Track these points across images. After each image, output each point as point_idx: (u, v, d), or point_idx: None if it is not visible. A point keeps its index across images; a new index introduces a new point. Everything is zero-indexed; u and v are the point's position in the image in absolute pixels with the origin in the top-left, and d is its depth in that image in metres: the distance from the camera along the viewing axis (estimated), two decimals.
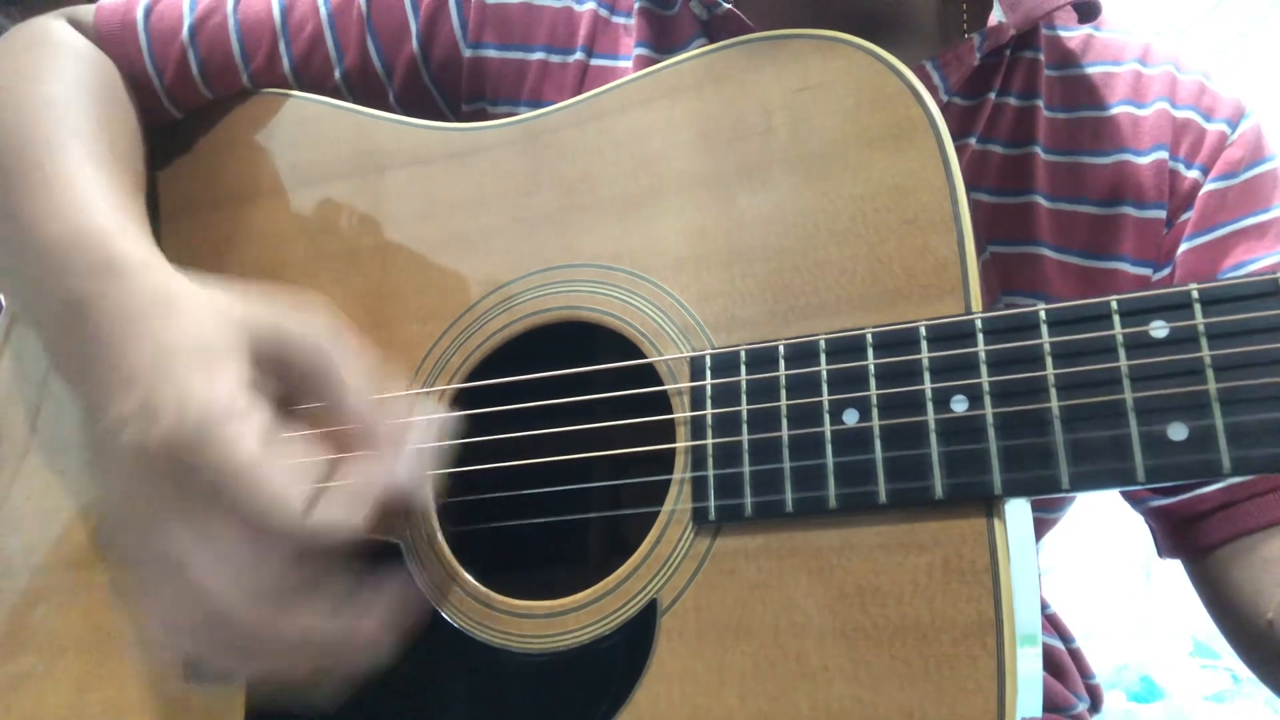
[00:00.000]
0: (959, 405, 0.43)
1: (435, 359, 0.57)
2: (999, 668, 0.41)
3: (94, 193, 0.58)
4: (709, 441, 0.48)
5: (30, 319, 0.59)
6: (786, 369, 0.47)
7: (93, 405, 0.46)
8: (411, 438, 0.48)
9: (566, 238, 0.56)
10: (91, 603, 0.59)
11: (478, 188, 0.59)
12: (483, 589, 0.52)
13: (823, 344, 0.47)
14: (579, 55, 0.68)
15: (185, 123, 0.71)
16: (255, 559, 0.42)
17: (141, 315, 0.48)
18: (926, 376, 0.44)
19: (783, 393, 0.47)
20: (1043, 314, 0.43)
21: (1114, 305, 0.42)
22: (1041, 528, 0.71)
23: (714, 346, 0.50)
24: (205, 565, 0.42)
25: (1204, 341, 0.40)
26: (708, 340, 0.50)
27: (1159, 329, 0.41)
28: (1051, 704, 0.74)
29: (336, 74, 0.69)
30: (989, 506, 0.42)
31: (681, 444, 0.49)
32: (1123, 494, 0.69)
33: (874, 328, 0.46)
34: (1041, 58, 0.67)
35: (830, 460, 0.45)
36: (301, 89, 0.69)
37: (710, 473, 0.47)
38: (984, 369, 0.43)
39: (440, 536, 0.53)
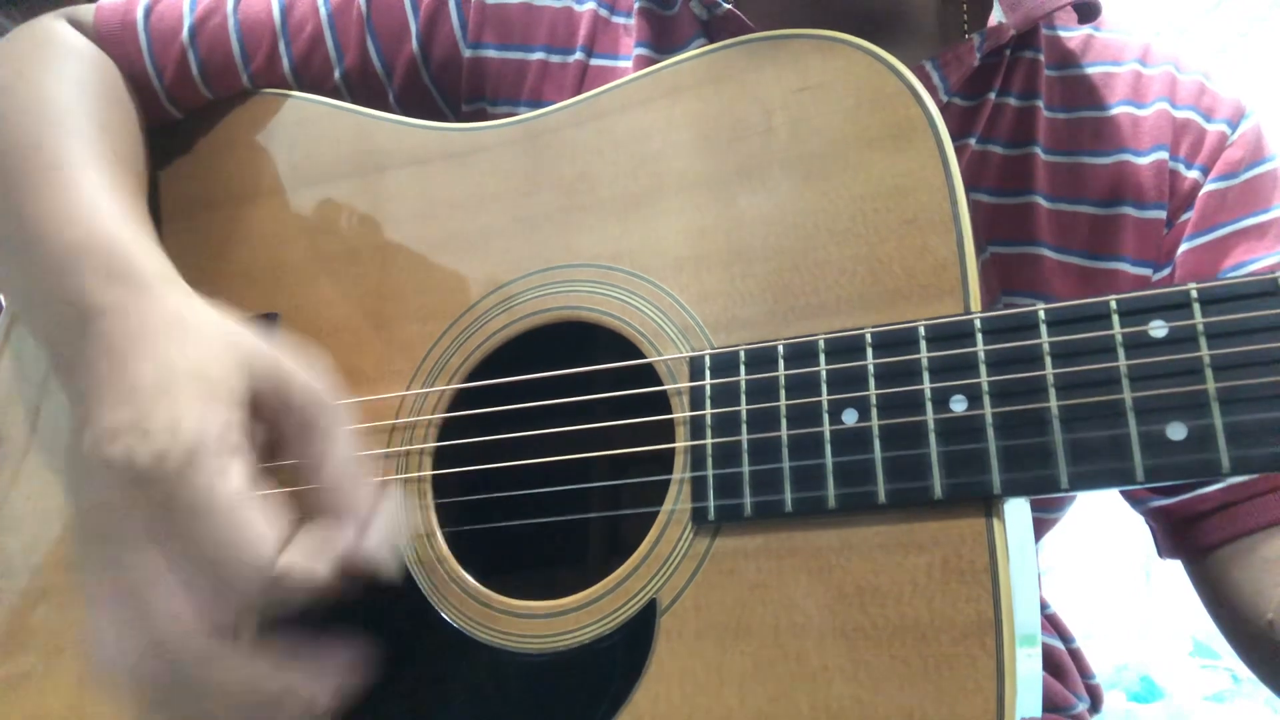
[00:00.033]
0: (958, 405, 0.43)
1: (435, 359, 0.57)
2: (998, 668, 0.41)
3: (104, 199, 0.58)
4: (708, 441, 0.48)
5: (31, 319, 0.59)
6: (786, 369, 0.47)
7: (86, 409, 0.46)
8: (384, 515, 0.47)
9: (566, 238, 0.56)
10: None
11: (477, 188, 0.59)
12: (482, 589, 0.52)
13: (822, 344, 0.47)
14: (579, 55, 0.68)
15: (185, 123, 0.71)
16: (216, 592, 0.41)
17: (154, 332, 0.48)
18: (926, 376, 0.44)
19: (782, 393, 0.47)
20: (1042, 314, 0.43)
21: (1113, 305, 0.42)
22: (1041, 528, 0.71)
23: (713, 346, 0.50)
24: (164, 590, 0.41)
25: (1203, 341, 0.40)
26: (707, 340, 0.50)
27: (1158, 329, 0.41)
28: (1051, 704, 0.74)
29: (336, 74, 0.69)
30: (988, 506, 0.43)
31: (681, 444, 0.49)
32: (1123, 494, 0.69)
33: (873, 328, 0.46)
34: (1041, 58, 0.67)
35: (829, 460, 0.45)
36: (301, 89, 0.69)
37: (709, 473, 0.47)
38: (983, 369, 0.43)
39: (440, 536, 0.53)
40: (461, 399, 0.55)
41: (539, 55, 0.68)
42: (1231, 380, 0.39)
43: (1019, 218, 0.65)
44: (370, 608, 0.47)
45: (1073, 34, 0.69)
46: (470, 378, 0.55)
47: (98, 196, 0.58)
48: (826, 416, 0.46)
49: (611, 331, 0.53)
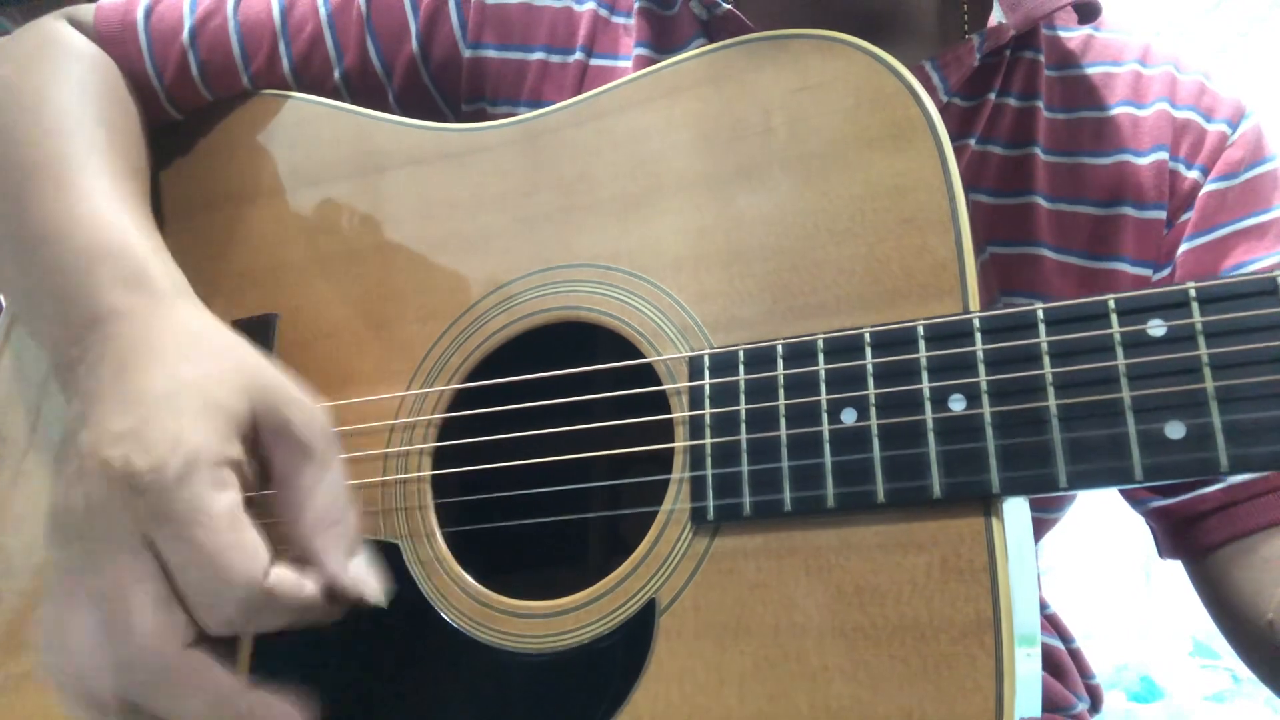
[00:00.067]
0: (957, 404, 0.43)
1: (435, 359, 0.57)
2: (997, 667, 0.41)
3: (113, 204, 0.58)
4: (707, 441, 0.48)
5: (32, 319, 0.59)
6: (785, 368, 0.47)
7: (84, 409, 0.46)
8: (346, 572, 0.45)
9: (565, 238, 0.56)
10: None
11: (477, 188, 0.59)
12: (482, 589, 0.52)
13: (821, 343, 0.47)
14: (579, 55, 0.68)
15: (185, 123, 0.71)
16: (208, 601, 0.41)
17: (164, 343, 0.48)
18: (924, 376, 0.44)
19: (781, 392, 0.47)
20: (1040, 313, 0.43)
21: (1111, 304, 0.42)
22: (1041, 528, 0.71)
23: (712, 346, 0.50)
24: (143, 597, 0.41)
25: (1201, 340, 0.40)
26: (706, 340, 0.50)
27: (1156, 327, 0.41)
28: (1051, 704, 0.74)
29: (336, 74, 0.69)
30: (987, 505, 0.43)
31: (680, 444, 0.49)
32: (1123, 495, 0.69)
33: (872, 327, 0.46)
34: (1041, 58, 0.67)
35: (828, 459, 0.45)
36: (301, 89, 0.69)
37: (709, 472, 0.47)
38: (982, 368, 0.43)
39: (440, 536, 0.53)
40: (461, 399, 0.56)
41: (539, 55, 0.68)
42: (1230, 379, 0.39)
43: (1019, 218, 0.65)
44: (370, 609, 0.47)
45: (1073, 34, 0.69)
46: (470, 378, 0.55)
47: (107, 201, 0.58)
48: (825, 416, 0.46)
49: (611, 331, 0.53)
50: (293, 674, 0.52)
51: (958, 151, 0.63)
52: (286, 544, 0.44)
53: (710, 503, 0.47)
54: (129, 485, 0.41)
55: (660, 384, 0.50)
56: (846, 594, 0.44)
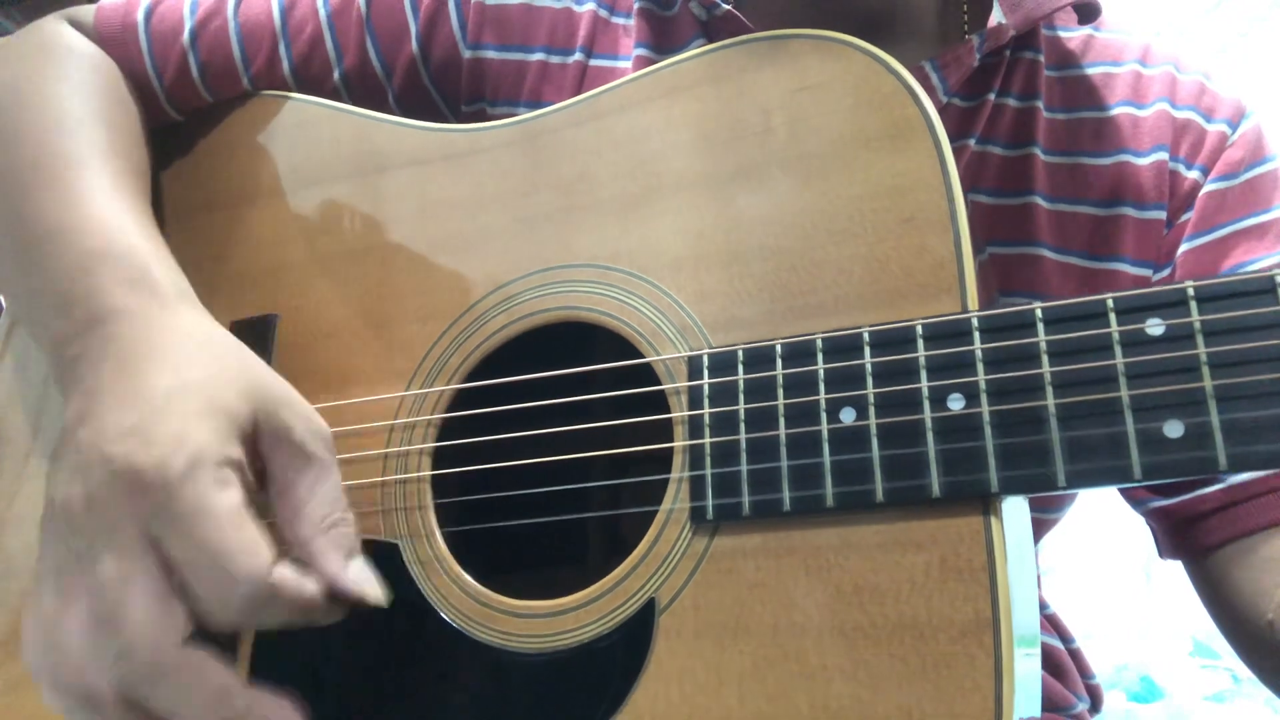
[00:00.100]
0: (955, 403, 0.43)
1: (435, 359, 0.57)
2: (996, 667, 0.41)
3: (117, 206, 0.58)
4: (706, 441, 0.48)
5: (33, 319, 0.59)
6: (784, 368, 0.47)
7: (84, 406, 0.46)
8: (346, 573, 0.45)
9: (565, 238, 0.56)
10: None
11: (477, 188, 0.59)
12: (482, 589, 0.52)
13: (820, 343, 0.47)
14: (578, 56, 0.68)
15: (186, 125, 0.71)
16: (213, 597, 0.41)
17: (168, 343, 0.48)
18: (923, 375, 0.44)
19: (780, 391, 0.47)
20: (1039, 312, 0.43)
21: (1110, 303, 0.42)
22: (1041, 528, 0.71)
23: (711, 346, 0.50)
24: (141, 592, 0.40)
25: (1200, 339, 0.40)
26: (705, 340, 0.50)
27: (1155, 326, 0.41)
28: (1051, 704, 0.74)
29: (335, 75, 0.69)
30: (986, 505, 0.43)
31: (679, 443, 0.49)
32: (1123, 495, 0.69)
33: (871, 326, 0.46)
34: (1041, 58, 0.67)
35: (827, 459, 0.45)
36: (301, 91, 0.69)
37: (708, 472, 0.47)
38: (980, 367, 0.43)
39: (440, 536, 0.54)
40: (461, 399, 0.56)
41: (539, 56, 0.68)
42: (1228, 378, 0.39)
43: (1019, 218, 0.65)
44: (370, 609, 0.47)
45: (1073, 34, 0.69)
46: (470, 378, 0.56)
47: (108, 201, 0.58)
48: (824, 415, 0.46)
49: (610, 331, 0.53)
50: (293, 673, 0.53)
51: (957, 152, 0.63)
52: (286, 547, 0.44)
53: (709, 502, 0.47)
54: (131, 481, 0.41)
55: (659, 384, 0.50)
56: (846, 593, 0.44)
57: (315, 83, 0.69)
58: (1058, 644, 0.77)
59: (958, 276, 0.46)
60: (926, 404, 0.44)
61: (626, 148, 0.56)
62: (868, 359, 0.46)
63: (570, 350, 0.54)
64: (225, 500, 0.42)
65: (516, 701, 0.50)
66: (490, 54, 0.68)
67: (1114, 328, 0.42)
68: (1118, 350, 0.41)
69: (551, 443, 0.53)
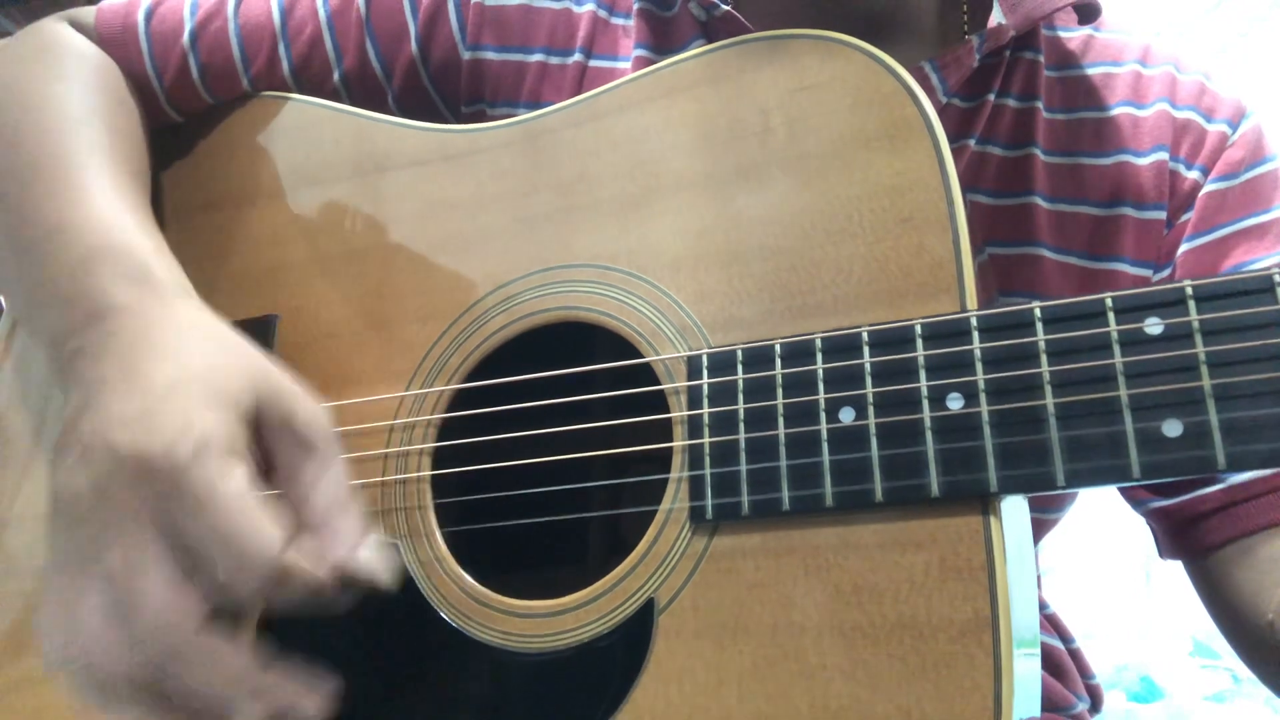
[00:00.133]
0: (954, 403, 0.43)
1: (435, 359, 0.57)
2: (995, 666, 0.41)
3: (117, 205, 0.58)
4: (706, 440, 0.48)
5: (33, 317, 0.59)
6: (783, 368, 0.47)
7: (85, 398, 0.46)
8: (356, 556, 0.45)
9: (565, 238, 0.56)
10: None
11: (476, 189, 0.59)
12: (481, 588, 0.52)
13: (819, 343, 0.47)
14: (578, 57, 0.68)
15: (186, 125, 0.71)
16: (224, 581, 0.41)
17: (169, 335, 0.49)
18: (922, 374, 0.44)
19: (779, 391, 0.47)
20: (1037, 311, 0.43)
21: (1108, 302, 0.42)
22: (1041, 528, 0.71)
23: (711, 346, 0.50)
24: (154, 578, 0.41)
25: (1198, 338, 0.40)
26: (704, 340, 0.50)
27: (1153, 325, 0.41)
28: (1051, 704, 0.74)
29: (335, 76, 0.69)
30: (985, 504, 0.43)
31: (679, 443, 0.49)
32: (1123, 495, 0.69)
33: (870, 326, 0.46)
34: (1041, 59, 0.67)
35: (827, 458, 0.45)
36: (301, 91, 0.69)
37: (707, 471, 0.47)
38: (979, 366, 0.43)
39: (439, 536, 0.54)
40: (461, 399, 0.56)
41: (538, 57, 0.68)
42: (1227, 377, 0.39)
43: (1018, 218, 0.65)
44: (370, 608, 0.47)
45: (1073, 35, 0.69)
46: (469, 378, 0.56)
47: (108, 200, 0.58)
48: (824, 415, 0.46)
49: (610, 331, 0.53)
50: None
51: (957, 152, 0.63)
52: (294, 531, 0.44)
53: (709, 502, 0.47)
54: (138, 467, 0.41)
55: (659, 384, 0.51)
56: (845, 593, 0.44)
57: (315, 84, 0.69)
58: (1058, 644, 0.77)
59: (956, 276, 0.46)
60: (925, 403, 0.44)
61: (626, 148, 0.56)
62: (867, 359, 0.46)
63: (570, 350, 0.54)
64: (234, 483, 0.42)
65: (516, 701, 0.50)
66: (490, 55, 0.68)
67: (1113, 327, 0.42)
68: (1116, 350, 0.41)
69: (551, 443, 0.53)
